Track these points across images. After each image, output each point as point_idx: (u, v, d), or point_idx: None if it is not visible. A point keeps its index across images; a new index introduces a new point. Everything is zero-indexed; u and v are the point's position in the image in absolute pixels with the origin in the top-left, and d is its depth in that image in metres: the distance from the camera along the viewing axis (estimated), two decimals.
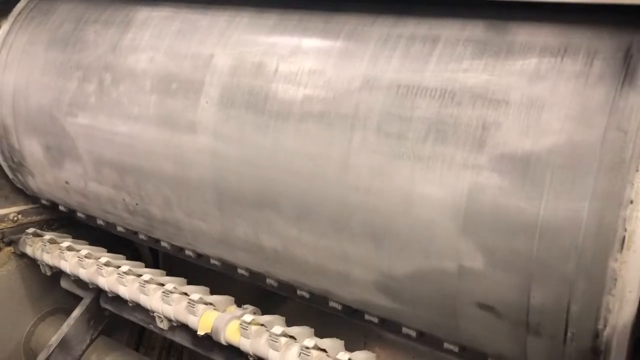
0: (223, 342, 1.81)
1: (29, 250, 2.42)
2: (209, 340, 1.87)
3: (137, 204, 1.94)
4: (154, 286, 2.02)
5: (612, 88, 1.15)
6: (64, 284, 2.46)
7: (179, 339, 2.02)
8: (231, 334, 1.80)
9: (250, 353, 1.76)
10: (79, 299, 2.38)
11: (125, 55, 1.87)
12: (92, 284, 2.20)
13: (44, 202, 2.46)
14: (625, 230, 1.09)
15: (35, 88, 2.09)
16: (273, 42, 1.61)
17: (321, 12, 1.58)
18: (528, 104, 1.22)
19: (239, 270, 1.88)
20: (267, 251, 1.68)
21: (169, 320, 1.98)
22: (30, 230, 2.44)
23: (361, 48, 1.46)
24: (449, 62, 1.34)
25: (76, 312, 2.32)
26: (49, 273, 2.40)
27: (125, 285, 2.07)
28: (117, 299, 2.17)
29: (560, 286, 1.18)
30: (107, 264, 2.13)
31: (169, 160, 1.75)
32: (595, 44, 1.21)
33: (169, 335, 2.06)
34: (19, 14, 2.27)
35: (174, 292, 1.94)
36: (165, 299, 1.95)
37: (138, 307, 2.08)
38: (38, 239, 2.42)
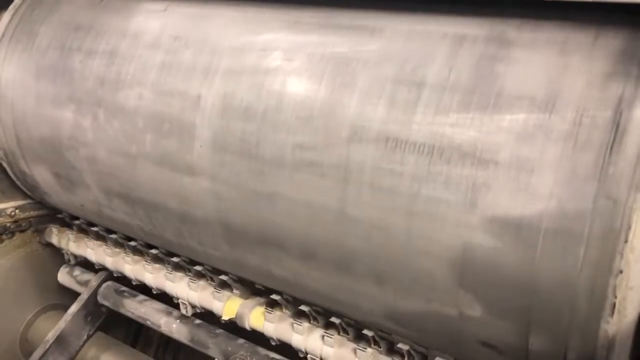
0: (247, 327, 1.93)
1: (54, 240, 2.52)
2: (206, 337, 1.99)
3: (150, 230, 2.00)
4: (180, 274, 2.13)
5: (600, 153, 1.13)
6: (61, 279, 2.49)
7: (177, 335, 2.07)
8: (255, 319, 1.92)
9: (274, 337, 1.89)
10: (76, 295, 2.38)
11: (114, 91, 1.85)
12: (117, 271, 2.31)
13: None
14: (616, 297, 1.12)
15: (33, 120, 2.10)
16: (259, 82, 1.57)
17: (306, 51, 1.53)
18: (517, 166, 1.20)
19: (257, 286, 1.98)
20: (278, 279, 1.75)
21: (193, 307, 2.10)
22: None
23: (347, 94, 1.43)
24: (435, 113, 1.31)
25: (73, 308, 2.30)
26: (72, 262, 2.50)
27: (151, 273, 2.20)
28: (115, 295, 2.24)
29: (557, 338, 1.23)
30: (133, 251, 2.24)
31: (174, 198, 1.79)
32: (585, 98, 1.17)
33: (166, 332, 2.11)
34: (2, 36, 2.22)
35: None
36: (191, 285, 2.07)
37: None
38: (65, 229, 2.52)
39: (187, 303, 2.10)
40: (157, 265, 2.21)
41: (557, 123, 1.18)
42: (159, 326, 2.09)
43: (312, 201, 1.49)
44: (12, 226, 2.47)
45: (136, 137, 1.80)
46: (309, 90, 1.49)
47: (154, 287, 2.21)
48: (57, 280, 2.51)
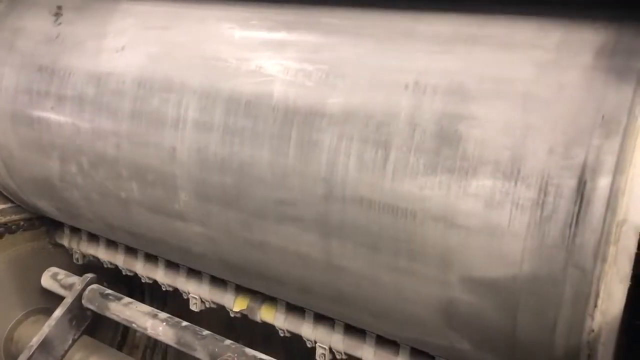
0: (258, 320, 2.02)
1: (65, 241, 2.55)
2: (192, 339, 1.94)
3: (156, 254, 2.09)
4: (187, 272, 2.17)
5: (566, 223, 1.14)
6: (45, 283, 2.44)
7: (163, 337, 2.01)
8: (266, 311, 2.00)
9: (284, 329, 1.98)
10: (59, 299, 2.31)
11: (92, 140, 1.85)
12: (128, 270, 2.34)
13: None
14: (589, 353, 1.18)
15: (22, 164, 2.12)
16: (230, 138, 1.56)
17: (271, 104, 1.50)
18: (488, 232, 1.22)
19: None
20: (284, 301, 1.85)
21: (203, 302, 2.15)
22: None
23: (316, 152, 1.42)
24: (404, 175, 1.31)
25: (57, 312, 2.23)
26: (80, 262, 2.52)
27: (163, 271, 2.24)
28: (100, 298, 2.19)
29: None
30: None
31: (172, 237, 1.85)
32: (549, 165, 1.15)
33: (153, 335, 2.06)
34: None
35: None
36: (204, 279, 2.11)
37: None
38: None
39: (197, 298, 2.14)
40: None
41: (522, 191, 1.18)
42: (145, 329, 2.05)
43: (300, 251, 1.53)
44: None
45: (123, 185, 1.83)
46: (280, 147, 1.48)
47: (165, 284, 2.24)
48: (40, 284, 2.43)
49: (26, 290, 2.53)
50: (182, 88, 1.65)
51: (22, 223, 2.48)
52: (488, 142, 1.22)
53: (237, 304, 2.05)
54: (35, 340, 2.20)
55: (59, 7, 2.01)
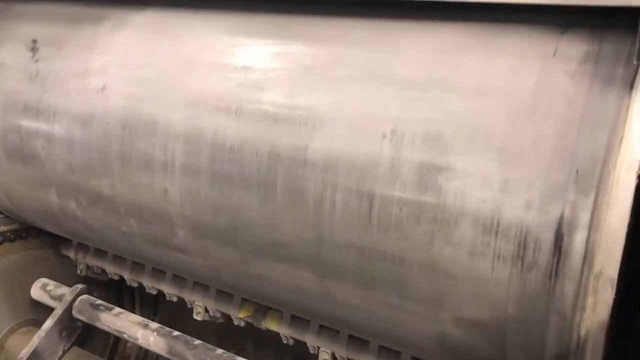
0: (262, 327, 2.05)
1: (71, 253, 2.56)
2: (184, 348, 1.94)
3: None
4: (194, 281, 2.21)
5: (546, 274, 1.18)
6: (34, 294, 2.43)
7: (154, 347, 2.01)
8: (270, 320, 2.03)
9: (288, 336, 2.01)
10: (49, 310, 2.31)
11: (86, 179, 1.88)
12: (133, 280, 2.35)
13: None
14: None
15: (22, 195, 2.17)
16: (219, 183, 1.58)
17: (253, 147, 1.51)
18: (473, 280, 1.27)
19: None
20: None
21: (207, 310, 2.14)
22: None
23: (302, 201, 1.45)
24: (389, 225, 1.34)
25: (47, 324, 2.23)
26: (84, 273, 2.53)
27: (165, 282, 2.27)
28: (90, 309, 2.19)
29: None
30: None
31: (176, 266, 1.92)
32: (526, 219, 1.18)
33: (144, 345, 2.08)
34: None
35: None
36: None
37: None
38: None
39: (202, 306, 2.15)
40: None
41: (503, 243, 1.21)
42: (136, 339, 2.06)
43: (298, 285, 1.59)
44: None
45: (122, 220, 1.88)
46: (267, 192, 1.51)
47: (170, 293, 2.25)
48: (30, 296, 2.44)
49: (16, 301, 2.52)
50: (167, 130, 1.66)
51: (9, 234, 2.48)
52: (467, 194, 1.24)
53: (242, 311, 2.08)
54: (25, 352, 2.19)
55: (34, 41, 1.99)
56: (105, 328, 2.15)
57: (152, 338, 2.03)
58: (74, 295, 2.25)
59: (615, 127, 1.13)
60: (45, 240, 2.54)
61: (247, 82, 1.56)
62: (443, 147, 1.27)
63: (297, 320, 1.96)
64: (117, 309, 2.18)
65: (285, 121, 1.47)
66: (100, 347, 2.80)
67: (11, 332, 2.53)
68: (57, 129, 1.90)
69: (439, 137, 1.27)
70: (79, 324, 2.26)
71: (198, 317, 2.18)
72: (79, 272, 2.55)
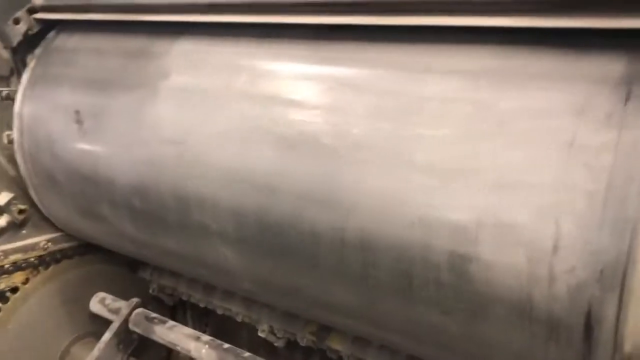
0: (324, 347, 2.15)
1: (146, 274, 2.73)
2: None
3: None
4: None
5: None
6: (93, 308, 2.60)
7: (206, 359, 2.13)
8: (333, 339, 2.16)
9: (349, 353, 2.15)
10: (107, 323, 2.47)
11: (155, 240, 2.06)
12: (207, 302, 2.51)
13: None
14: None
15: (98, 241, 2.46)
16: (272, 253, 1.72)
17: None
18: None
19: None
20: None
21: (271, 330, 2.25)
22: None
23: (347, 278, 1.57)
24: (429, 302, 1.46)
25: (106, 336, 2.38)
26: (155, 292, 2.71)
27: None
28: (145, 322, 2.37)
29: None
30: None
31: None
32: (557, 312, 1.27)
33: (196, 356, 2.20)
34: None
35: None
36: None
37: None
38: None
39: (267, 325, 2.26)
40: None
41: (536, 328, 1.31)
42: (189, 351, 2.19)
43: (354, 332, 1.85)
44: (47, 258, 2.59)
45: (192, 269, 2.17)
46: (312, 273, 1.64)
47: (240, 313, 2.39)
48: (89, 309, 2.63)
49: (75, 315, 2.71)
50: (216, 206, 1.76)
51: (65, 252, 2.65)
52: (497, 284, 1.32)
53: (307, 328, 2.18)
54: None
55: (77, 112, 2.09)
56: (160, 340, 2.32)
57: (203, 350, 2.19)
58: (130, 308, 2.45)
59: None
60: (103, 256, 2.72)
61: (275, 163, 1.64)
62: (470, 239, 1.33)
63: (359, 339, 2.07)
64: (171, 322, 2.37)
65: (320, 201, 1.55)
66: (155, 358, 2.92)
67: (72, 344, 2.73)
68: (118, 198, 2.04)
69: (466, 229, 1.33)
70: (134, 336, 2.45)
71: (262, 335, 2.29)
72: (151, 291, 2.72)
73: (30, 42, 2.39)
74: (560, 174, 1.24)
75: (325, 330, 2.15)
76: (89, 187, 2.11)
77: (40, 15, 2.36)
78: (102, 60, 2.13)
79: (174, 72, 1.91)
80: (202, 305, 2.55)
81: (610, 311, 1.21)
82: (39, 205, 2.49)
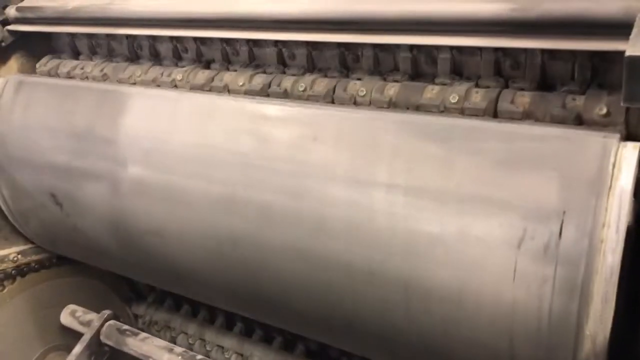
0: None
1: (141, 310, 2.83)
2: None
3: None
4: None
5: None
6: (64, 320, 2.53)
7: None
8: None
9: None
10: (77, 335, 2.42)
11: None
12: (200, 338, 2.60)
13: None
14: None
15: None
16: None
17: None
18: None
19: None
20: None
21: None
22: None
23: None
24: None
25: (77, 349, 2.33)
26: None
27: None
28: (117, 334, 2.33)
29: None
30: None
31: None
32: None
33: None
34: None
35: None
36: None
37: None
38: None
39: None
40: None
41: None
42: None
43: None
44: (14, 272, 2.52)
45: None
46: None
47: (232, 349, 2.50)
48: (59, 322, 2.57)
49: (45, 328, 2.63)
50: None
51: (34, 265, 2.58)
52: None
53: None
54: None
55: (53, 195, 2.12)
56: (132, 352, 2.26)
57: None
58: (101, 320, 2.39)
59: None
60: (74, 268, 2.67)
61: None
62: None
63: None
64: (143, 334, 2.32)
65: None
66: None
67: (43, 357, 2.66)
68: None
69: None
70: (106, 348, 2.39)
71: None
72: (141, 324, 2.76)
73: (3, 54, 2.36)
74: None
75: None
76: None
77: (13, 27, 2.34)
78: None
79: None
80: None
81: None
82: (10, 219, 2.45)
